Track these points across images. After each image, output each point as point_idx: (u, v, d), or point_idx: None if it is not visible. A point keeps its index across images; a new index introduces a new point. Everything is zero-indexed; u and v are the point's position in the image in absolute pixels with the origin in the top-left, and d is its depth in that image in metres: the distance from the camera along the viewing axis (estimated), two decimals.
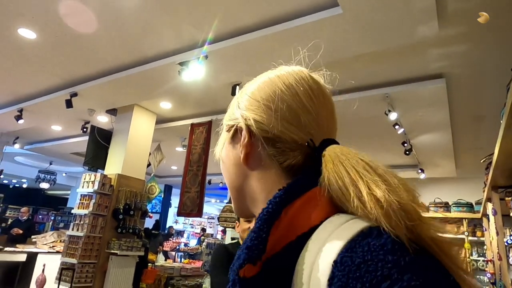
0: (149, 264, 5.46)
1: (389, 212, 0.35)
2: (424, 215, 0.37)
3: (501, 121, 1.98)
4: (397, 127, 4.55)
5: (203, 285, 2.83)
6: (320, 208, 0.42)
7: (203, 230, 11.14)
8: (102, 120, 5.81)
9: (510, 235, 2.84)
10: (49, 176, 11.32)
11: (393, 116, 4.21)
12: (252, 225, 1.97)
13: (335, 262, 0.33)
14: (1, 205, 9.68)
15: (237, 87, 4.16)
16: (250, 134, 0.50)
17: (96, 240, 4.54)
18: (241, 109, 0.53)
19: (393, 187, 0.38)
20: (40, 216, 13.75)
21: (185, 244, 10.98)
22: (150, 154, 5.74)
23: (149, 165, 5.83)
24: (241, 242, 2.07)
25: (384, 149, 6.04)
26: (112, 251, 4.55)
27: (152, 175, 6.20)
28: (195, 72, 3.60)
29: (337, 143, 0.48)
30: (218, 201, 15.39)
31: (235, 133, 0.53)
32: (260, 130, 0.49)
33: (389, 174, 0.40)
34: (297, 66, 0.56)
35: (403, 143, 5.13)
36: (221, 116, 5.01)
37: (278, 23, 3.07)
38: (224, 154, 0.56)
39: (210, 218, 16.18)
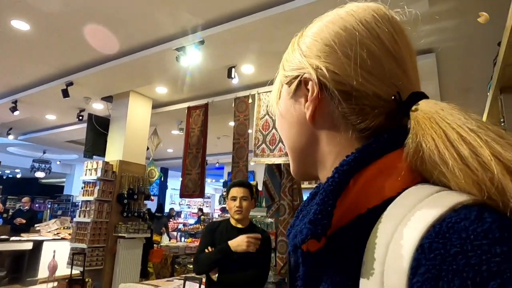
0: (154, 244, 5.65)
1: (502, 182, 0.28)
2: None
3: (488, 93, 2.10)
4: None
5: None
6: (397, 176, 0.36)
7: (201, 210, 11.38)
8: (98, 107, 5.82)
9: None
10: (44, 165, 11.30)
11: None
12: (237, 203, 2.08)
13: (420, 247, 0.28)
14: (1, 196, 9.69)
15: (233, 69, 4.22)
16: (319, 87, 0.42)
17: (103, 225, 4.68)
18: (307, 56, 0.44)
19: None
20: (37, 205, 13.80)
21: (184, 225, 11.23)
22: (148, 138, 5.81)
23: (147, 149, 5.91)
24: (231, 220, 2.14)
25: None
26: (120, 234, 4.71)
27: (151, 159, 6.29)
28: (192, 57, 3.64)
29: (427, 97, 0.39)
30: (214, 180, 15.58)
31: (299, 86, 0.45)
32: (334, 82, 0.41)
33: (507, 137, 0.31)
34: (371, 2, 0.45)
35: None
36: (217, 98, 5.08)
37: (272, 6, 3.12)
38: (283, 108, 0.48)
39: (206, 198, 16.44)
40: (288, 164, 4.24)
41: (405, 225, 0.30)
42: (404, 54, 0.42)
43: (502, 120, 1.84)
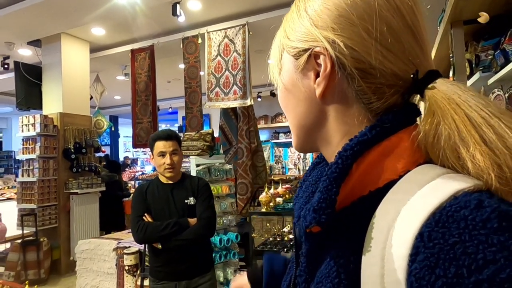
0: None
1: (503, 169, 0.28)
2: None
3: (438, 28, 2.10)
4: None
5: None
6: (400, 158, 0.36)
7: None
8: (25, 53, 5.11)
9: None
10: None
11: None
12: (167, 160, 1.88)
13: (420, 235, 0.28)
14: None
15: (178, 5, 3.81)
16: (333, 63, 0.38)
17: (51, 183, 4.41)
18: (319, 27, 0.39)
19: None
20: None
21: (142, 173, 11.05)
22: (90, 87, 5.31)
23: (91, 98, 5.44)
24: (160, 177, 1.99)
25: None
26: (72, 190, 4.48)
27: (96, 108, 5.85)
28: None
29: (442, 76, 0.37)
30: (168, 125, 15.18)
31: (309, 59, 0.40)
32: (352, 59, 0.37)
33: None
34: None
35: None
36: (163, 39, 4.66)
37: None
38: (288, 81, 0.44)
39: None
40: (244, 107, 4.21)
41: (406, 211, 0.31)
42: (422, 29, 0.39)
43: (451, 55, 1.86)
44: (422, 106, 0.39)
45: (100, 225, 4.82)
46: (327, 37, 0.38)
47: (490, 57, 1.79)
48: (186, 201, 1.93)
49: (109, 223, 4.64)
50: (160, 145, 1.90)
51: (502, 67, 1.57)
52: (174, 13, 3.81)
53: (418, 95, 0.38)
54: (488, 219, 0.26)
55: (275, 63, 0.46)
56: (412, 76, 0.37)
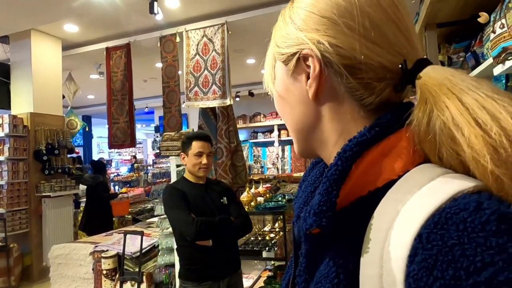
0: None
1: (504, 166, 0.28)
2: None
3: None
4: None
5: (155, 212, 2.94)
6: (399, 158, 0.36)
7: (134, 157, 10.93)
8: None
9: None
10: None
11: None
12: (204, 160, 1.94)
13: (419, 236, 0.28)
14: None
15: (155, 3, 3.74)
16: (321, 63, 0.39)
17: (22, 186, 4.22)
18: (304, 30, 0.40)
19: None
20: None
21: (117, 174, 10.77)
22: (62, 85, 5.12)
23: (63, 98, 5.25)
24: (189, 177, 2.02)
25: None
26: (44, 193, 4.31)
27: (69, 108, 5.65)
28: None
29: (432, 63, 0.37)
30: (144, 125, 14.88)
31: (298, 63, 0.41)
32: (338, 57, 0.38)
33: None
34: None
35: None
36: (139, 37, 4.57)
37: None
38: (281, 88, 0.45)
39: (138, 144, 15.77)
40: (223, 107, 4.19)
41: (405, 212, 0.31)
42: (406, 19, 0.40)
43: (424, 56, 1.93)
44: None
45: (82, 227, 4.65)
46: (312, 39, 0.39)
47: (461, 59, 1.87)
48: (221, 200, 1.99)
49: (94, 225, 4.45)
50: (198, 145, 1.95)
51: (473, 68, 1.65)
52: (151, 11, 3.73)
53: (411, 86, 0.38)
54: (487, 221, 0.25)
55: (269, 72, 0.47)
56: (400, 66, 0.37)
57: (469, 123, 0.30)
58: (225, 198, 2.01)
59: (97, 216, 4.59)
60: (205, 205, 1.93)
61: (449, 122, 0.31)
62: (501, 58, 1.23)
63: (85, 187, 4.88)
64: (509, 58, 1.19)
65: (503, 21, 1.18)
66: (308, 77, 0.41)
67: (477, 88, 0.31)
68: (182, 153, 2.05)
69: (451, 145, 0.32)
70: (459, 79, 0.33)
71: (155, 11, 3.72)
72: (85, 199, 4.91)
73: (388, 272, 0.30)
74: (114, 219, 4.68)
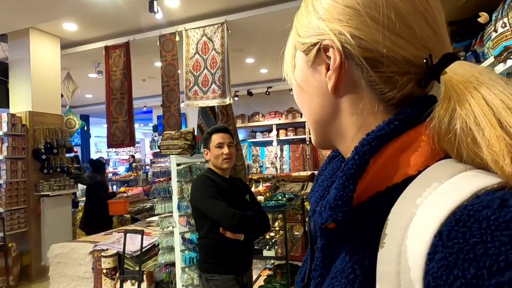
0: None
1: None
2: None
3: None
4: None
5: (155, 211, 2.93)
6: (418, 153, 0.35)
7: (133, 156, 10.90)
8: None
9: None
10: None
11: None
12: (225, 150, 1.94)
13: (439, 233, 0.27)
14: None
15: (155, 2, 3.73)
16: (341, 55, 0.38)
17: (20, 185, 4.21)
18: (326, 20, 0.39)
19: None
20: None
21: (115, 173, 10.74)
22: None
23: (61, 96, 5.23)
24: (214, 168, 2.01)
25: None
26: (43, 193, 4.29)
27: (67, 107, 5.63)
28: None
29: (459, 59, 0.35)
30: (142, 125, 14.84)
31: (318, 53, 0.40)
32: (360, 49, 0.37)
33: None
34: None
35: None
36: (139, 36, 4.56)
37: None
38: (300, 78, 0.44)
39: (136, 143, 15.71)
40: (223, 106, 4.19)
41: (425, 208, 0.30)
42: (435, 11, 0.38)
43: None
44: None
45: (81, 226, 4.63)
46: (334, 29, 0.38)
47: (462, 58, 1.88)
48: (245, 197, 2.02)
49: (93, 224, 4.43)
50: (218, 137, 1.98)
51: None
52: (151, 9, 3.73)
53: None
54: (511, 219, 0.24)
55: (289, 61, 0.46)
56: (425, 61, 0.36)
57: (491, 124, 0.29)
58: (247, 195, 2.04)
59: (96, 215, 4.57)
60: (233, 199, 1.90)
61: (471, 122, 0.30)
62: (503, 57, 1.24)
63: (84, 186, 4.87)
64: (511, 56, 1.21)
65: (505, 20, 1.19)
66: (328, 69, 0.40)
67: (505, 89, 0.30)
68: (204, 149, 2.06)
69: (471, 145, 0.30)
70: (487, 78, 0.31)
71: (155, 9, 3.72)
72: (83, 199, 4.89)
73: (405, 270, 0.29)
74: (113, 218, 4.65)
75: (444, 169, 0.32)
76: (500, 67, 1.31)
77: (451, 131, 0.32)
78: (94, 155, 12.71)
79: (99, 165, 5.13)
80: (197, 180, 2.00)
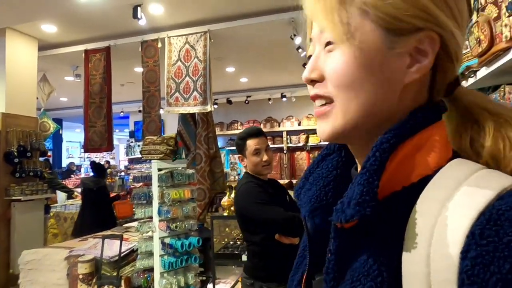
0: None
1: None
2: None
3: None
4: (300, 50, 4.86)
5: (135, 215, 2.92)
6: (433, 152, 0.36)
7: (108, 162, 10.65)
8: None
9: None
10: None
11: (298, 40, 4.46)
12: (264, 157, 1.81)
13: (471, 233, 0.28)
14: None
15: (139, 8, 3.76)
16: (436, 54, 0.36)
17: None
18: (442, 9, 0.34)
19: None
20: None
21: None
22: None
23: (37, 99, 5.10)
24: (253, 174, 1.90)
25: (286, 71, 6.40)
26: (14, 197, 4.14)
27: (42, 110, 5.49)
28: None
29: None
30: (117, 131, 14.53)
31: (410, 38, 0.35)
32: (453, 49, 0.36)
33: None
34: None
35: (303, 65, 5.55)
36: (120, 41, 4.55)
37: None
38: (366, 53, 0.36)
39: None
40: (204, 113, 4.24)
41: (451, 209, 0.30)
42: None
43: None
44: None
45: (76, 232, 4.40)
46: (445, 23, 0.34)
47: None
48: (287, 198, 1.91)
49: (96, 231, 4.27)
50: (254, 143, 1.82)
51: None
52: (134, 15, 3.75)
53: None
54: None
55: (340, 16, 0.36)
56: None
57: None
58: (287, 196, 1.92)
59: (101, 220, 4.37)
60: (277, 201, 1.79)
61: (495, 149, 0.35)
62: (465, 75, 1.39)
63: (80, 189, 4.67)
64: (472, 76, 1.35)
65: (467, 43, 1.34)
66: (413, 60, 0.36)
67: (510, 111, 0.35)
68: (239, 155, 1.92)
69: (489, 159, 0.36)
70: (489, 103, 0.37)
71: (139, 16, 3.75)
72: (67, 203, 4.71)
73: (436, 270, 0.29)
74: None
75: (459, 169, 0.34)
76: (463, 84, 1.46)
77: (473, 130, 0.37)
78: (65, 160, 12.31)
79: (103, 169, 5.01)
80: (244, 188, 1.84)
